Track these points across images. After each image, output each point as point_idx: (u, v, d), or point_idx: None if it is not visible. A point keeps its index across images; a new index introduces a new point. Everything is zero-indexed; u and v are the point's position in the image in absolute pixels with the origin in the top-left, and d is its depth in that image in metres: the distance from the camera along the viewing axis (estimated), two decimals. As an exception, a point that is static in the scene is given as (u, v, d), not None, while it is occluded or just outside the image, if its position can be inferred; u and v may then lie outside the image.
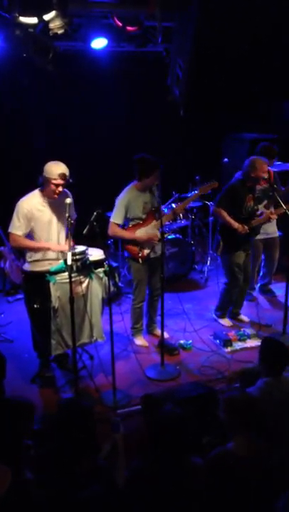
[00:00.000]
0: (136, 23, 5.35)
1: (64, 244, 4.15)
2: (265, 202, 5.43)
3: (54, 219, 4.19)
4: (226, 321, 5.51)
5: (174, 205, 6.08)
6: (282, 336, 5.04)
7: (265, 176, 5.05)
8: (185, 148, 7.98)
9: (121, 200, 4.68)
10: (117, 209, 4.67)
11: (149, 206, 4.71)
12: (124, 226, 4.78)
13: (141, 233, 4.73)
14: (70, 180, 4.05)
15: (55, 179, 3.99)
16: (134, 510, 2.52)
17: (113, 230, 4.71)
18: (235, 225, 5.02)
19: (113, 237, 5.26)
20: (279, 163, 7.16)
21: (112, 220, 4.69)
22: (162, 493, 2.47)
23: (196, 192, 5.24)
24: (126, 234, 4.76)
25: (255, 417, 2.72)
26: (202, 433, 3.25)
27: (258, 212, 5.22)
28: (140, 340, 5.10)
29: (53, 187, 4.02)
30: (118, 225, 4.70)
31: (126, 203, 4.65)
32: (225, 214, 5.04)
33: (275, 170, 5.98)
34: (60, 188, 4.05)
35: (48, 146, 6.89)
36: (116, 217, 4.67)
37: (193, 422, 2.83)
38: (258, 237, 5.53)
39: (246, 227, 5.04)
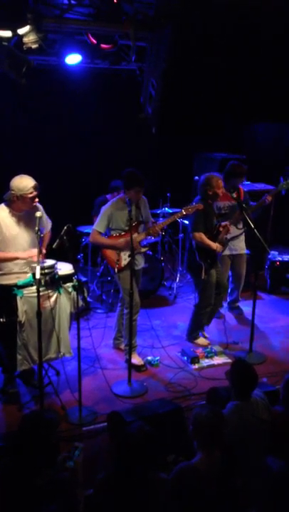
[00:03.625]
0: (110, 41, 5.42)
1: (32, 249, 4.11)
2: (232, 220, 5.47)
3: (23, 233, 4.14)
4: (202, 341, 5.46)
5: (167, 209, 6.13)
6: (249, 353, 5.09)
7: (221, 191, 5.10)
8: (157, 165, 8.08)
9: (105, 210, 4.80)
10: (101, 218, 4.80)
11: (133, 220, 4.73)
12: (106, 235, 4.87)
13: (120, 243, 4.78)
14: (39, 189, 4.07)
15: (31, 193, 3.98)
16: None
17: (93, 236, 4.85)
18: (213, 245, 5.06)
19: (93, 243, 5.44)
20: (248, 183, 7.33)
21: (94, 227, 4.83)
22: (127, 508, 2.44)
23: (178, 211, 5.03)
24: (105, 240, 4.86)
25: (221, 435, 2.73)
26: (168, 451, 3.23)
27: (222, 224, 5.26)
28: (136, 359, 4.93)
29: (29, 201, 4.01)
30: (100, 233, 4.80)
31: (109, 213, 4.77)
32: (204, 238, 5.05)
33: (245, 189, 6.09)
34: (37, 199, 4.06)
35: (19, 160, 6.85)
36: (98, 225, 4.80)
37: (160, 439, 2.81)
38: (226, 252, 5.60)
39: (219, 245, 5.10)
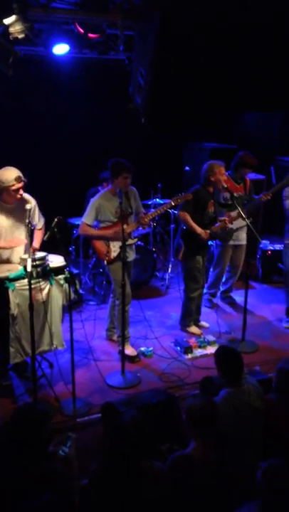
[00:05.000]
0: (98, 30, 5.36)
1: (16, 238, 4.08)
2: (238, 210, 5.44)
3: (14, 225, 4.12)
4: (194, 329, 5.49)
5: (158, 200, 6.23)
6: (241, 342, 5.12)
7: (224, 178, 5.11)
8: (146, 155, 8.04)
9: (94, 202, 4.79)
10: (89, 210, 4.79)
11: (124, 211, 4.70)
12: (94, 228, 4.87)
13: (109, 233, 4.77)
14: (26, 180, 4.03)
15: (13, 185, 3.95)
16: None
17: (83, 228, 4.84)
18: (198, 230, 5.07)
19: (83, 236, 5.49)
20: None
21: (83, 219, 4.82)
22: (122, 497, 2.45)
23: (168, 202, 5.10)
24: (94, 232, 4.86)
25: (214, 424, 2.74)
26: (162, 440, 3.25)
27: (220, 218, 5.27)
28: (129, 349, 4.94)
29: (13, 193, 3.98)
30: (88, 225, 4.79)
31: (97, 205, 4.75)
32: (188, 218, 5.08)
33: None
34: (21, 191, 4.01)
35: (8, 152, 6.78)
36: (87, 217, 4.78)
37: (153, 428, 2.83)
38: (230, 242, 5.64)
39: (206, 232, 5.10)
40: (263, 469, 2.35)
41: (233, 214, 5.37)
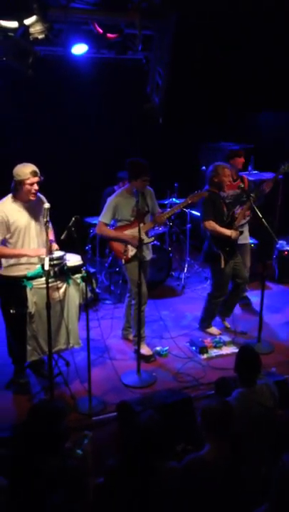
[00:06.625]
0: (116, 30, 5.39)
1: (41, 249, 4.12)
2: (238, 207, 5.42)
3: (31, 224, 4.16)
4: (213, 330, 5.47)
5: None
6: (257, 343, 5.09)
7: (228, 179, 5.09)
8: (163, 155, 8.04)
9: (111, 201, 4.79)
10: (106, 209, 4.79)
11: (140, 210, 4.72)
12: (111, 226, 4.87)
13: (127, 234, 4.77)
14: (42, 178, 4.06)
15: (28, 178, 3.97)
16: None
17: (100, 228, 4.84)
18: (228, 231, 5.03)
19: (100, 235, 5.43)
20: (255, 172, 7.29)
21: (100, 219, 4.83)
22: (136, 496, 2.47)
23: (184, 200, 5.07)
24: (111, 232, 4.85)
25: (231, 426, 2.74)
26: (177, 440, 3.26)
27: (236, 212, 5.24)
28: (145, 349, 4.95)
29: (28, 187, 4.00)
30: (106, 224, 4.80)
31: (115, 204, 4.76)
32: (216, 225, 5.03)
33: (251, 178, 6.06)
34: (36, 187, 4.03)
35: (25, 151, 6.83)
36: (104, 217, 4.79)
37: (168, 428, 2.84)
38: None
39: (236, 232, 5.07)
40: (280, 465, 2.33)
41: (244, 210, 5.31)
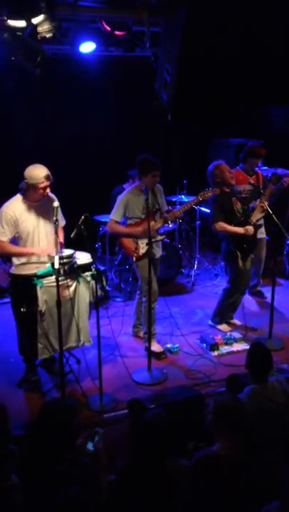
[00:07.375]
0: (124, 27, 5.38)
1: (49, 248, 4.14)
2: (253, 202, 5.38)
3: (40, 223, 4.18)
4: (224, 327, 5.45)
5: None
6: (268, 339, 5.07)
7: (229, 174, 5.03)
8: (172, 152, 8.03)
9: (121, 199, 4.81)
10: (117, 207, 4.80)
11: (150, 207, 4.71)
12: (122, 224, 4.88)
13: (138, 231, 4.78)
14: (52, 179, 4.08)
15: (42, 182, 4.00)
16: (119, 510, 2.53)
17: (110, 225, 4.86)
18: (240, 230, 4.96)
19: (111, 233, 5.45)
20: (265, 167, 7.24)
21: (111, 216, 4.84)
22: (147, 494, 2.47)
23: (195, 198, 5.01)
24: (122, 229, 4.87)
25: (242, 422, 2.74)
26: (188, 437, 3.26)
27: (251, 207, 5.19)
28: (155, 346, 4.94)
29: (41, 191, 4.03)
30: (116, 222, 4.81)
31: (125, 202, 4.77)
32: (226, 225, 4.97)
33: (264, 174, 6.02)
34: (48, 189, 4.07)
35: (34, 150, 6.87)
36: (115, 214, 4.80)
37: (180, 425, 2.83)
38: None
39: (250, 227, 5.00)
40: None
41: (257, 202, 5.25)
